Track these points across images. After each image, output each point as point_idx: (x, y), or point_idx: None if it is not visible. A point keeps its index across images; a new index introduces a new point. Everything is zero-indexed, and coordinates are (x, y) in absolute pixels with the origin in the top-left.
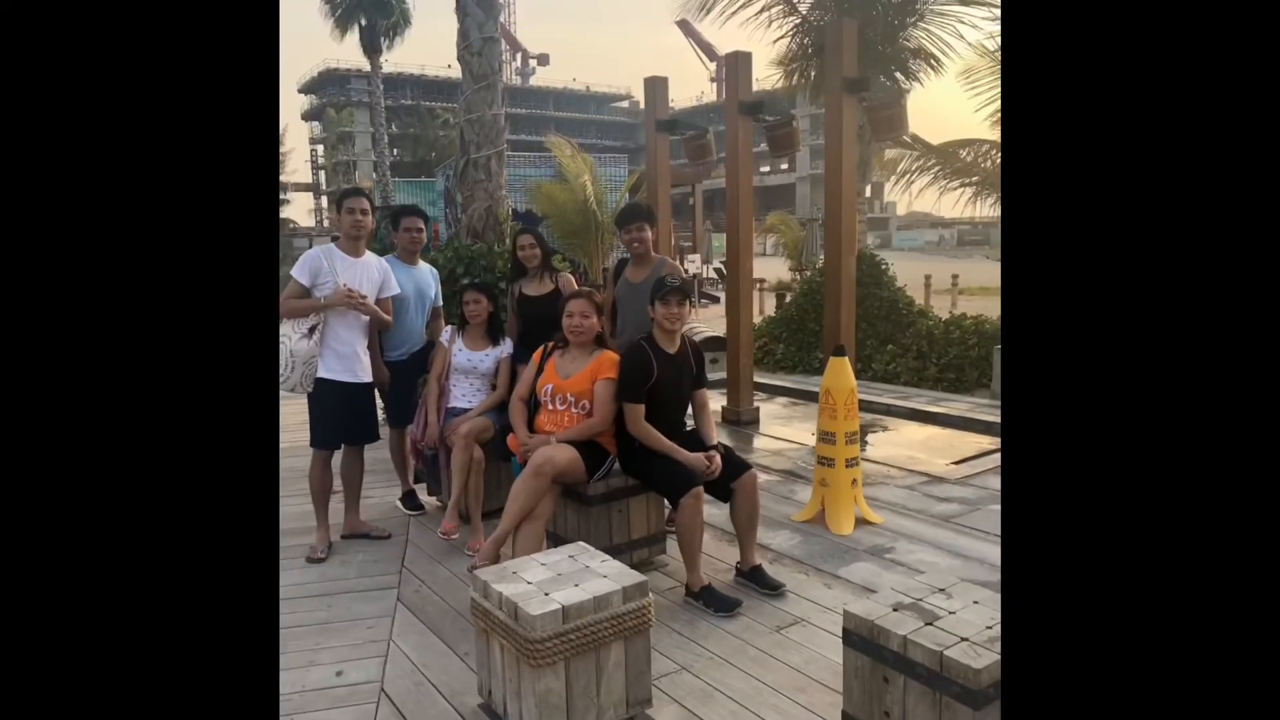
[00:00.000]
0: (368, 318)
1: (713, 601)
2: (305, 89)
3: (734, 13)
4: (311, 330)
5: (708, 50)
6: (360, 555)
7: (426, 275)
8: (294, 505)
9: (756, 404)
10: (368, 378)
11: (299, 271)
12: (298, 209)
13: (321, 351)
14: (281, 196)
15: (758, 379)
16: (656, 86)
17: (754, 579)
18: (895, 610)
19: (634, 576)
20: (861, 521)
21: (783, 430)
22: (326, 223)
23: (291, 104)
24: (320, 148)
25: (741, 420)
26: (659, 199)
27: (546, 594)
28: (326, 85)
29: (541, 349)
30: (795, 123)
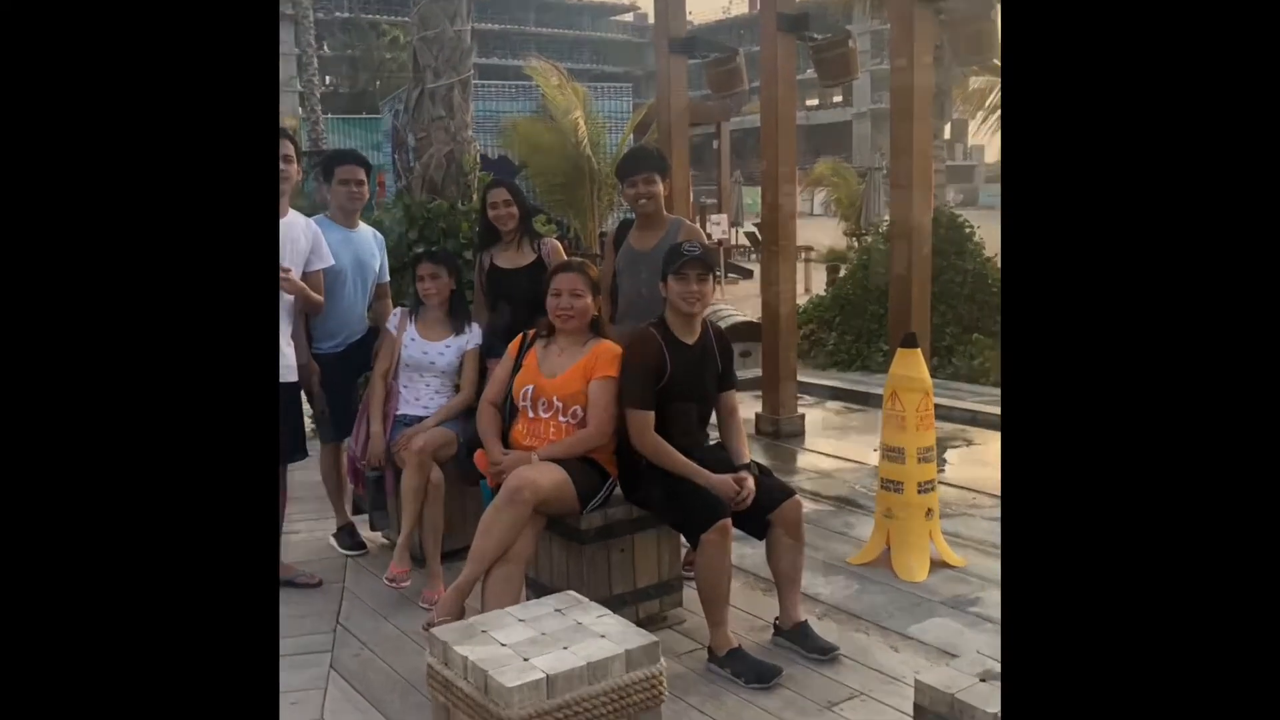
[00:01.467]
0: (291, 297)
1: (744, 669)
2: None
3: None
4: None
5: None
6: (283, 609)
7: (368, 241)
8: None
9: (801, 410)
10: (291, 377)
11: None
12: None
13: None
14: None
15: (803, 378)
16: None
17: (798, 639)
18: (983, 681)
19: (641, 636)
20: (938, 564)
21: (835, 445)
22: None
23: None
24: None
25: (781, 431)
26: (673, 142)
27: (525, 659)
28: None
29: (520, 338)
30: (851, 42)
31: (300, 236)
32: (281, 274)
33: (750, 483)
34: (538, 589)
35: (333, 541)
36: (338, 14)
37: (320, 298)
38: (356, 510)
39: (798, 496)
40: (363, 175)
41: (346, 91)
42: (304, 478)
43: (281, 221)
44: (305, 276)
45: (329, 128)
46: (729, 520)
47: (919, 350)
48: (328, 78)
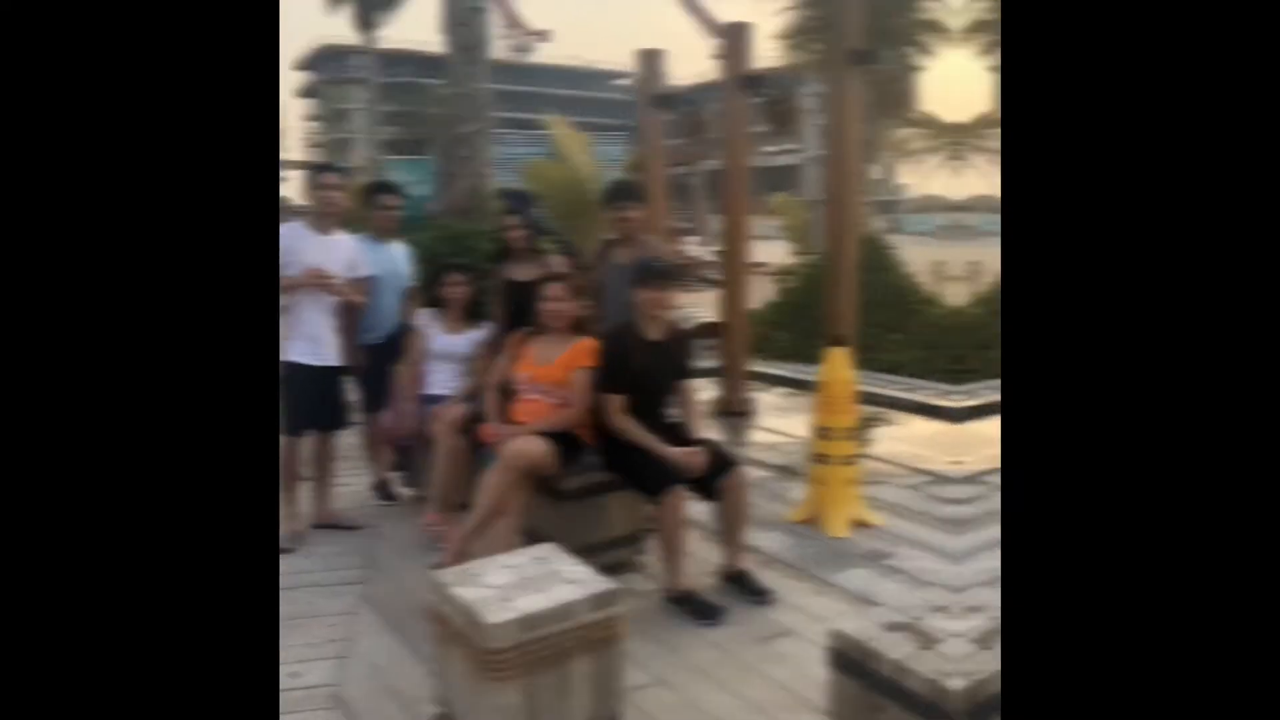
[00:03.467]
0: (336, 298)
1: (694, 608)
2: (301, 66)
3: None
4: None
5: (710, 24)
6: (326, 547)
7: (401, 255)
8: None
9: (753, 394)
10: (335, 361)
11: None
12: (293, 187)
13: (290, 333)
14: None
15: (756, 367)
16: (651, 60)
17: (740, 584)
18: (889, 630)
19: (604, 583)
20: (859, 523)
21: (780, 423)
22: None
23: (287, 81)
24: (317, 124)
25: (735, 411)
26: (652, 178)
27: (507, 600)
28: (325, 62)
29: (520, 334)
30: (794, 98)
31: (346, 251)
32: (330, 280)
33: (700, 456)
34: (531, 538)
35: (372, 492)
36: (401, 79)
37: (362, 299)
38: (396, 468)
39: (741, 467)
40: (398, 201)
41: (407, 139)
42: (350, 440)
43: (329, 238)
44: (352, 283)
45: (388, 167)
46: (681, 486)
47: (846, 348)
48: (395, 128)
